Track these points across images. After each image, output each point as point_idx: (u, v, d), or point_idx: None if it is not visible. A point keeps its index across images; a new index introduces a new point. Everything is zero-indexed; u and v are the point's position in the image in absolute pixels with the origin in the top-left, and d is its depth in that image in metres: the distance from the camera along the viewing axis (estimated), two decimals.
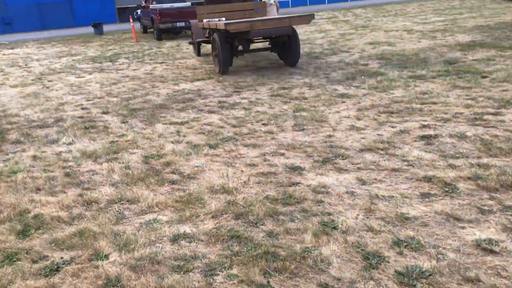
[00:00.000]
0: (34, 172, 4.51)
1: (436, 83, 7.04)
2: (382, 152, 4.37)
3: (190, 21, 12.97)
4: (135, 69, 10.88)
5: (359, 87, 7.23)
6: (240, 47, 9.71)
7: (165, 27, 18.42)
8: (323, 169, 4.06)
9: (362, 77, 7.96)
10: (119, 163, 4.59)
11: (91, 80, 9.65)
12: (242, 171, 4.15)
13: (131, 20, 18.78)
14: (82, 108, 7.07)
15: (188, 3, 19.72)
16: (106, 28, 26.33)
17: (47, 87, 9.19)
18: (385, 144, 4.57)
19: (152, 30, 19.83)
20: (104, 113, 6.71)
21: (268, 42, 9.91)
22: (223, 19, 10.27)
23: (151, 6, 19.85)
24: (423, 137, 4.67)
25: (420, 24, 16.15)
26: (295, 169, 4.10)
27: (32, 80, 10.37)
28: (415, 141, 4.60)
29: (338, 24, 19.65)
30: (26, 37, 26.28)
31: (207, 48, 13.10)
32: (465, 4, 25.83)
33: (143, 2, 22.05)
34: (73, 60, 13.91)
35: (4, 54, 16.95)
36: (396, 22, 17.84)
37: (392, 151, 4.37)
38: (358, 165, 4.09)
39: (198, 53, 12.50)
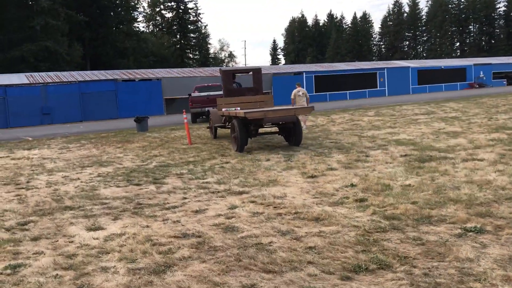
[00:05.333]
0: None
1: None
2: None
3: (209, 109, 15.46)
4: (197, 211, 5.90)
5: None
6: (254, 131, 11.47)
7: (195, 112, 22.84)
8: None
9: None
10: None
11: (112, 247, 4.67)
12: None
13: (184, 115, 14.43)
14: None
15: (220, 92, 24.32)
16: (152, 121, 22.38)
17: (16, 270, 4.23)
18: None
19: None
20: None
21: (277, 128, 12.05)
22: (239, 108, 12.08)
23: (192, 94, 23.82)
24: None
25: None
26: None
27: (6, 230, 5.52)
28: None
29: (459, 122, 14.54)
30: (58, 131, 22.55)
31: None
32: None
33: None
34: (99, 175, 9.22)
35: (13, 159, 12.60)
36: None
37: None
38: None
39: (215, 136, 14.63)
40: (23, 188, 8.34)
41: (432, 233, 4.44)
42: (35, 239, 5.13)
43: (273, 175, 7.91)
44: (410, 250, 4.03)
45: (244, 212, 5.63)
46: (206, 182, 7.71)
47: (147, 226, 5.34)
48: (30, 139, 18.63)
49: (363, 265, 3.75)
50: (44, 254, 4.60)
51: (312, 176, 7.52)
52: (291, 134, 11.58)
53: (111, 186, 8.00)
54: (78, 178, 8.96)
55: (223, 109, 12.46)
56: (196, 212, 5.84)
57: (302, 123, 15.32)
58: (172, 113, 35.11)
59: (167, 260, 4.19)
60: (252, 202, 6.12)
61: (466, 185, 6.13)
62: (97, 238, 5.01)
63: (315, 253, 4.13)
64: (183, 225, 5.28)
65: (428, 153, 9.00)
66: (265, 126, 11.60)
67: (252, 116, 10.56)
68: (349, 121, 17.93)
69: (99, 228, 5.41)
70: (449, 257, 3.83)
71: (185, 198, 6.69)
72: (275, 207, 5.76)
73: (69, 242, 4.96)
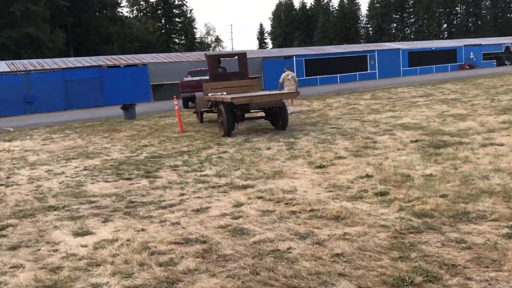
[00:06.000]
0: None
1: None
2: None
3: (195, 94, 15.24)
4: (198, 209, 5.23)
5: None
6: (240, 116, 11.44)
7: (185, 96, 22.25)
8: None
9: None
10: None
11: (103, 257, 4.00)
12: None
13: (175, 101, 13.64)
14: None
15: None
16: (139, 108, 21.53)
17: None
18: None
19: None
20: None
21: (263, 112, 12.08)
22: (225, 93, 12.12)
23: (184, 79, 23.60)
24: None
25: None
26: None
27: None
28: None
29: (461, 104, 14.01)
30: (42, 121, 21.61)
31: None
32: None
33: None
34: (85, 168, 8.49)
35: None
36: None
37: None
38: None
39: (201, 120, 14.80)
40: (2, 185, 7.59)
41: (475, 233, 3.84)
42: (13, 248, 4.44)
43: (277, 165, 7.25)
44: (457, 256, 3.42)
45: (252, 211, 4.98)
46: (205, 175, 7.04)
47: (143, 230, 4.67)
48: (12, 129, 17.71)
49: (407, 277, 3.13)
50: (24, 267, 3.92)
51: (321, 166, 6.88)
52: (277, 119, 11.66)
53: (99, 181, 7.29)
54: (63, 172, 8.23)
55: (209, 94, 12.48)
56: (197, 211, 5.18)
57: (289, 106, 15.84)
58: (160, 99, 34.20)
59: (169, 274, 3.53)
60: (259, 198, 5.47)
61: (496, 174, 5.55)
62: (85, 246, 4.33)
63: (345, 262, 3.50)
64: (184, 228, 4.62)
65: (440, 138, 8.42)
66: (251, 111, 11.72)
67: (238, 102, 10.66)
68: (346, 105, 17.32)
69: (88, 232, 4.73)
70: (506, 265, 3.23)
71: (182, 194, 6.02)
72: (286, 204, 5.12)
73: (53, 251, 4.28)
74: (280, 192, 5.61)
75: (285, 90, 15.95)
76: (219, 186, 6.24)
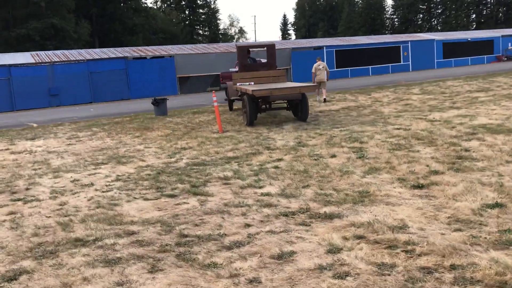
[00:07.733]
0: None
1: None
2: None
3: (227, 83, 16.38)
4: (279, 256, 3.78)
5: None
6: (263, 106, 12.11)
7: (225, 87, 22.63)
8: None
9: None
10: None
11: None
12: None
13: (214, 97, 12.19)
14: None
15: None
16: (167, 102, 20.18)
17: None
18: None
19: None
20: None
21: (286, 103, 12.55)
22: (252, 83, 12.94)
23: (230, 69, 24.20)
24: None
25: None
26: None
27: None
28: None
29: None
30: (66, 115, 20.50)
31: None
32: None
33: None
34: (117, 178, 7.14)
35: (13, 153, 10.56)
36: None
37: None
38: None
39: (231, 108, 16.14)
40: (20, 199, 6.31)
41: None
42: None
43: (357, 182, 5.76)
44: None
45: (360, 263, 3.50)
46: (267, 194, 5.59)
47: None
48: (35, 125, 16.59)
49: None
50: None
51: (419, 186, 5.36)
52: (298, 110, 12.09)
53: (136, 198, 5.93)
54: (92, 184, 6.90)
55: (238, 84, 13.00)
56: (279, 258, 3.73)
57: (323, 94, 16.94)
58: (186, 92, 32.96)
59: None
60: (360, 237, 3.99)
61: None
62: None
63: None
64: None
65: None
66: (273, 102, 12.18)
67: (259, 94, 11.06)
68: (397, 100, 15.64)
69: None
70: None
71: (247, 225, 4.59)
72: (406, 252, 3.62)
73: None
74: (385, 228, 4.12)
75: (316, 80, 16.83)
76: (293, 214, 4.79)
